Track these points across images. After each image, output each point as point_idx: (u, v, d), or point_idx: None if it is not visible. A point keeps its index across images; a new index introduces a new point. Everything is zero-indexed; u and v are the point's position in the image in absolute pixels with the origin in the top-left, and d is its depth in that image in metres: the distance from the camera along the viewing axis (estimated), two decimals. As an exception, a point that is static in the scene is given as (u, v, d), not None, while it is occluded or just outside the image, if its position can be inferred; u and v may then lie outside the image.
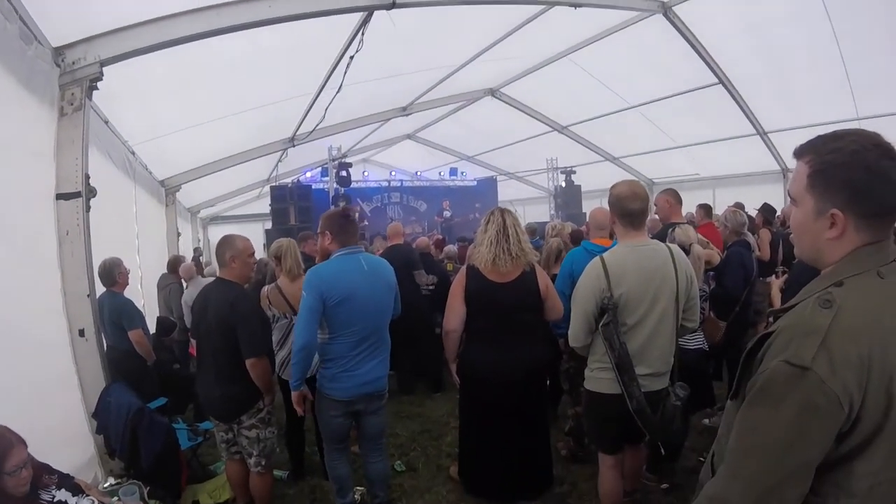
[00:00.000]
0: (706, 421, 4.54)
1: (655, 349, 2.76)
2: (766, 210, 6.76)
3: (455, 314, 3.40)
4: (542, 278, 3.43)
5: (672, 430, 2.79)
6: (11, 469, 2.33)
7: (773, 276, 3.68)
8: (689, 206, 6.49)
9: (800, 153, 1.23)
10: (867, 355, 1.05)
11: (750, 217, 5.70)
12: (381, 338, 3.29)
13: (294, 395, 3.23)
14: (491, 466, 3.55)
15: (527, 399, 3.43)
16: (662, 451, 3.06)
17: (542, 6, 6.77)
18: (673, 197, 4.55)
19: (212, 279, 4.02)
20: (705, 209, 6.44)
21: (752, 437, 1.12)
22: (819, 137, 1.20)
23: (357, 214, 15.69)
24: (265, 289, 4.13)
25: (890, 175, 1.11)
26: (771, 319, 1.29)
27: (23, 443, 2.40)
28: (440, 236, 10.92)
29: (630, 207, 2.78)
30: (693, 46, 7.90)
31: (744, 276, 4.40)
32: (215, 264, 4.21)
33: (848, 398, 1.03)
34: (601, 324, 2.73)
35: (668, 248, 2.84)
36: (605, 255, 2.84)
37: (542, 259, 4.44)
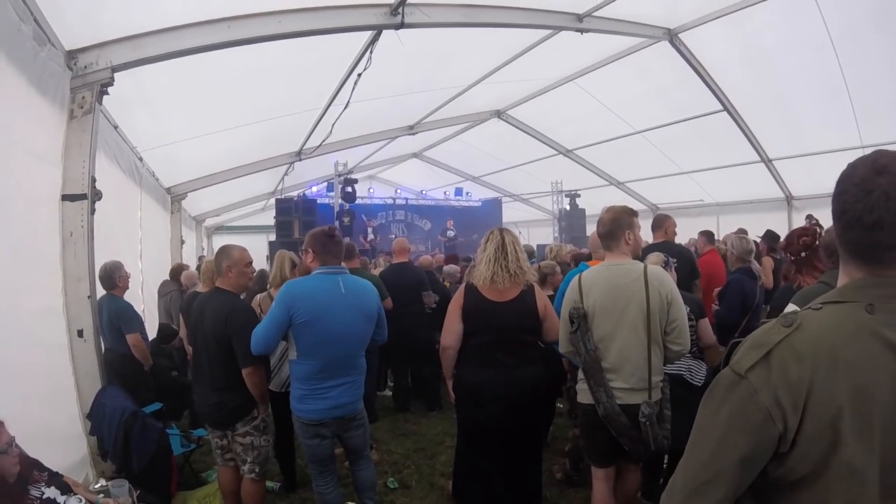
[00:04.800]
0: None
1: (629, 364, 2.86)
2: (770, 237, 6.73)
3: (451, 332, 3.37)
4: (541, 298, 3.39)
5: (652, 447, 2.80)
6: (3, 447, 2.31)
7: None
8: (692, 232, 6.50)
9: None
10: (809, 379, 1.04)
11: (755, 244, 5.69)
12: (351, 364, 3.22)
13: None
14: (482, 486, 3.50)
15: (521, 420, 3.36)
16: (640, 463, 3.08)
17: (549, 31, 6.86)
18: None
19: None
20: (707, 236, 6.44)
21: (696, 434, 1.17)
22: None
23: (372, 233, 15.78)
24: (258, 297, 4.16)
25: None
26: None
27: (1, 422, 2.38)
28: (442, 254, 10.95)
29: (598, 231, 3.11)
30: (698, 73, 7.97)
31: (742, 303, 4.39)
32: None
33: (780, 415, 1.04)
34: (569, 332, 2.93)
35: (646, 268, 2.95)
36: (583, 272, 3.07)
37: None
